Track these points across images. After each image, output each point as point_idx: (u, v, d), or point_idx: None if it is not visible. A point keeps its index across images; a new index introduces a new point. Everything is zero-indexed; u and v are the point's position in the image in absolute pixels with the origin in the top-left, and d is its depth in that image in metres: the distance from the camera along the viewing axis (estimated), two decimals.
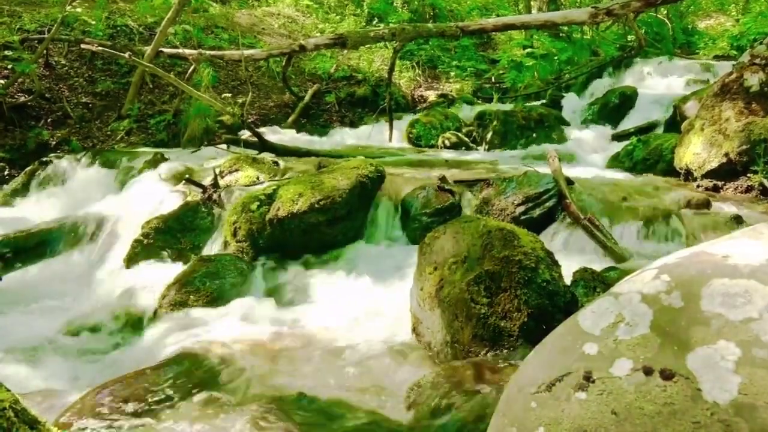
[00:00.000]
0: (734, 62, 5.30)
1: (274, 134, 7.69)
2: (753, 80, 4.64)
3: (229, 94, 8.70)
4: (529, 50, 10.96)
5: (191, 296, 3.48)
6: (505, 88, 10.56)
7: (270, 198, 4.20)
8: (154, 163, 5.73)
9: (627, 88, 8.51)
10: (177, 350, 2.77)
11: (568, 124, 8.12)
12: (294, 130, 8.63)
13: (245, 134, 6.64)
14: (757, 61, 4.69)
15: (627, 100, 8.18)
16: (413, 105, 10.23)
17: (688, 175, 4.98)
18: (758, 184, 4.48)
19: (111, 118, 7.87)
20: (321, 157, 5.99)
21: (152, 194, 5.06)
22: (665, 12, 11.87)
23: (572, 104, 9.02)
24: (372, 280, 3.67)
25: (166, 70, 7.73)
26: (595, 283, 3.05)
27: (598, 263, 3.61)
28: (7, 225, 4.87)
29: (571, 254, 3.83)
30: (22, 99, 7.45)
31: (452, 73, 11.06)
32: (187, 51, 8.19)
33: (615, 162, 6.09)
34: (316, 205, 4.04)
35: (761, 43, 4.88)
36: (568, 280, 2.93)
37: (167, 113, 7.98)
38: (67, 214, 5.06)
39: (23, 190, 5.94)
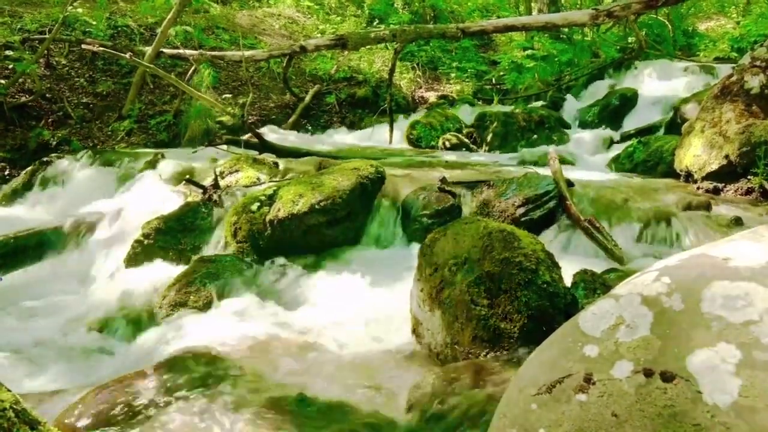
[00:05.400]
0: (735, 64, 5.30)
1: (275, 135, 7.70)
2: (753, 82, 4.64)
3: (230, 95, 8.72)
4: (529, 52, 10.96)
5: (191, 297, 3.48)
6: (505, 89, 10.57)
7: (270, 199, 4.20)
8: (155, 163, 5.74)
9: (627, 89, 8.51)
10: (177, 350, 2.77)
11: (568, 125, 8.13)
12: (294, 131, 8.64)
13: (246, 135, 6.65)
14: (758, 63, 4.69)
15: (627, 101, 8.18)
16: (414, 106, 10.24)
17: (689, 177, 4.97)
18: (758, 186, 4.48)
19: (111, 119, 7.88)
20: (321, 158, 5.98)
21: (153, 194, 5.06)
22: (666, 14, 11.86)
23: (573, 106, 9.02)
24: (372, 281, 3.67)
25: (166, 70, 7.74)
26: (596, 285, 3.05)
27: (599, 265, 3.60)
28: (8, 225, 4.87)
29: (571, 256, 3.83)
30: (23, 99, 7.46)
31: (453, 75, 11.06)
32: (188, 51, 8.21)
33: (615, 164, 6.10)
34: (317, 206, 4.04)
35: (762, 46, 4.88)
36: (568, 281, 2.93)
37: (168, 114, 7.99)
38: (67, 214, 5.06)
39: (24, 190, 5.95)
